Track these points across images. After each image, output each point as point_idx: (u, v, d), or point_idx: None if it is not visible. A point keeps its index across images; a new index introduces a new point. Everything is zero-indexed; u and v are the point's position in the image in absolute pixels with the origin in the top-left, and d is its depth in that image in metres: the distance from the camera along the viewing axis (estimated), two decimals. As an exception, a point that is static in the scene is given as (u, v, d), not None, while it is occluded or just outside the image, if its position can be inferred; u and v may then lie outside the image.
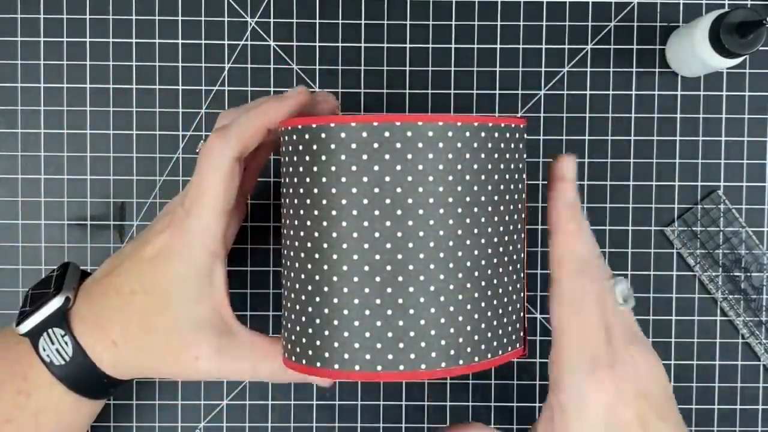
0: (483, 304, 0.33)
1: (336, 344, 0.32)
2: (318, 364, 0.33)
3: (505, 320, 0.34)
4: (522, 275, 0.35)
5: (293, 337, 0.34)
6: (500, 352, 0.34)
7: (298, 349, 0.34)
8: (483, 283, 0.33)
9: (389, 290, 0.31)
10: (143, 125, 0.48)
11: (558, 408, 0.33)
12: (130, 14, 0.48)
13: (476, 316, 0.32)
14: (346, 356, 0.32)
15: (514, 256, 0.35)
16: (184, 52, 0.48)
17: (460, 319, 0.32)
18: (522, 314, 0.36)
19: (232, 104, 0.48)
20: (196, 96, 0.48)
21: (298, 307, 0.33)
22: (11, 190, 0.48)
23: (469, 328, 0.32)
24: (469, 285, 0.32)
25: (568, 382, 0.33)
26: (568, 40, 0.48)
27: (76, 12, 0.48)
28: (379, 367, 0.32)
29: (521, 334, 0.35)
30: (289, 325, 0.34)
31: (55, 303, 0.38)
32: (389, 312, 0.31)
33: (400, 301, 0.31)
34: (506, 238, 0.34)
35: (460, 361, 0.32)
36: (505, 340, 0.34)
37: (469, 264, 0.32)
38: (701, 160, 0.48)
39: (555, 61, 0.48)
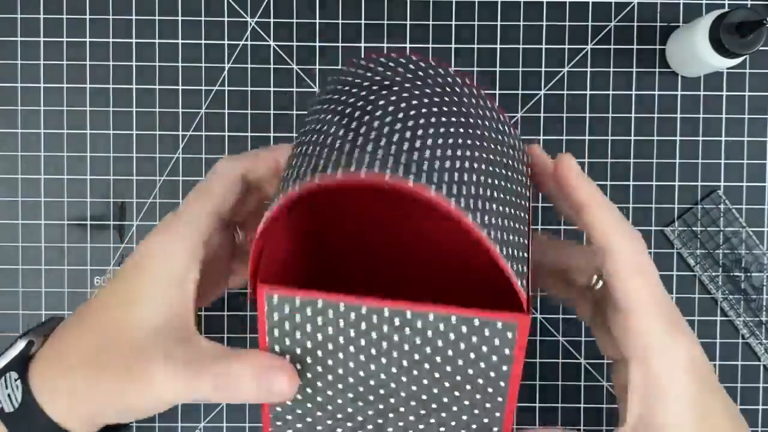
0: None
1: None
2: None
3: None
4: None
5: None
6: None
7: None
8: None
9: None
10: (143, 125, 0.48)
11: (646, 376, 0.32)
12: (130, 14, 0.48)
13: None
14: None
15: None
16: (184, 52, 0.48)
17: None
18: None
19: (232, 104, 0.48)
20: (196, 96, 0.48)
21: None
22: (11, 190, 0.48)
23: None
24: None
25: (656, 348, 0.32)
26: (568, 40, 0.48)
27: (76, 12, 0.48)
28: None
29: None
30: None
31: (18, 346, 0.35)
32: None
33: None
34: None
35: None
36: None
37: None
38: (701, 160, 0.48)
39: (555, 61, 0.48)
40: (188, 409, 0.48)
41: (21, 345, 0.35)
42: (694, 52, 0.43)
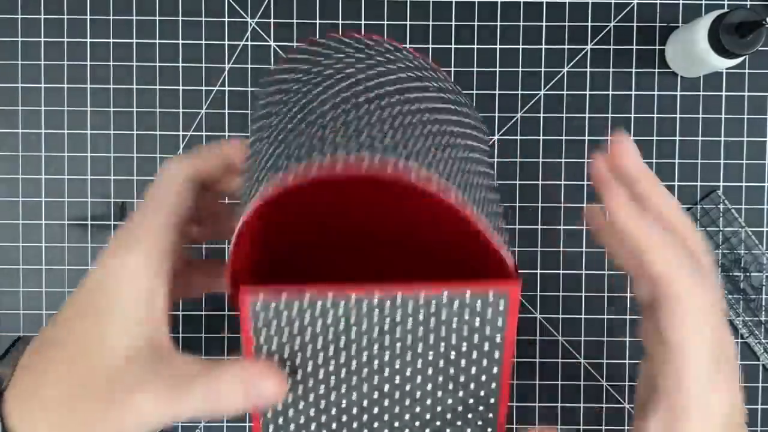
0: None
1: None
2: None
3: None
4: None
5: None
6: None
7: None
8: None
9: None
10: (143, 125, 0.48)
11: (676, 410, 0.32)
12: (131, 14, 0.48)
13: None
14: None
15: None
16: (184, 52, 0.48)
17: None
18: None
19: (232, 104, 0.48)
20: (196, 96, 0.48)
21: None
22: (12, 190, 0.48)
23: None
24: None
25: (692, 388, 0.31)
26: (568, 40, 0.48)
27: (77, 12, 0.48)
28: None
29: None
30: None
31: None
32: None
33: None
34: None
35: None
36: None
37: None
38: (701, 160, 0.48)
39: (555, 61, 0.48)
40: (189, 408, 0.48)
41: None
42: (694, 52, 0.43)
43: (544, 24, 0.48)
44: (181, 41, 0.48)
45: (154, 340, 0.31)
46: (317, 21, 0.48)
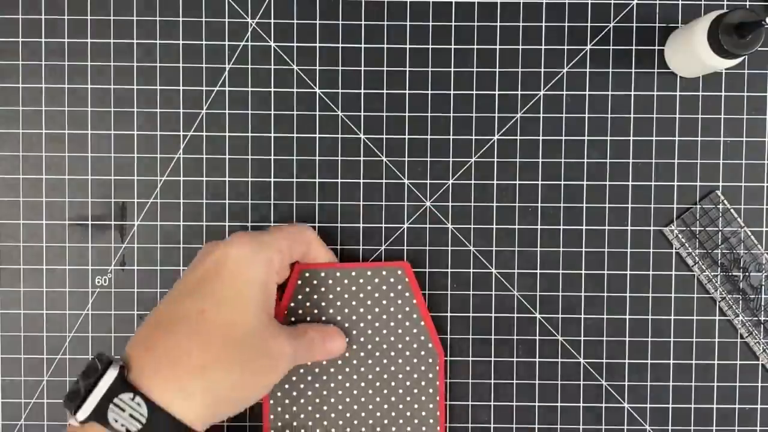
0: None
1: None
2: None
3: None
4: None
5: None
6: None
7: None
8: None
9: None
10: (144, 125, 0.48)
11: None
12: (131, 14, 0.48)
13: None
14: None
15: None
16: (184, 53, 0.48)
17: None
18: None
19: (232, 105, 0.48)
20: (196, 96, 0.48)
21: None
22: (13, 190, 0.48)
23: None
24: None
25: None
26: (567, 41, 0.48)
27: (77, 12, 0.48)
28: None
29: None
30: None
31: (111, 375, 0.35)
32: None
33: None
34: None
35: None
36: None
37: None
38: (700, 160, 0.48)
39: (555, 62, 0.48)
40: (189, 408, 0.48)
41: (113, 372, 0.35)
42: (693, 52, 0.43)
43: (543, 24, 0.48)
44: (181, 41, 0.48)
45: (271, 312, 0.40)
46: (317, 21, 0.48)
